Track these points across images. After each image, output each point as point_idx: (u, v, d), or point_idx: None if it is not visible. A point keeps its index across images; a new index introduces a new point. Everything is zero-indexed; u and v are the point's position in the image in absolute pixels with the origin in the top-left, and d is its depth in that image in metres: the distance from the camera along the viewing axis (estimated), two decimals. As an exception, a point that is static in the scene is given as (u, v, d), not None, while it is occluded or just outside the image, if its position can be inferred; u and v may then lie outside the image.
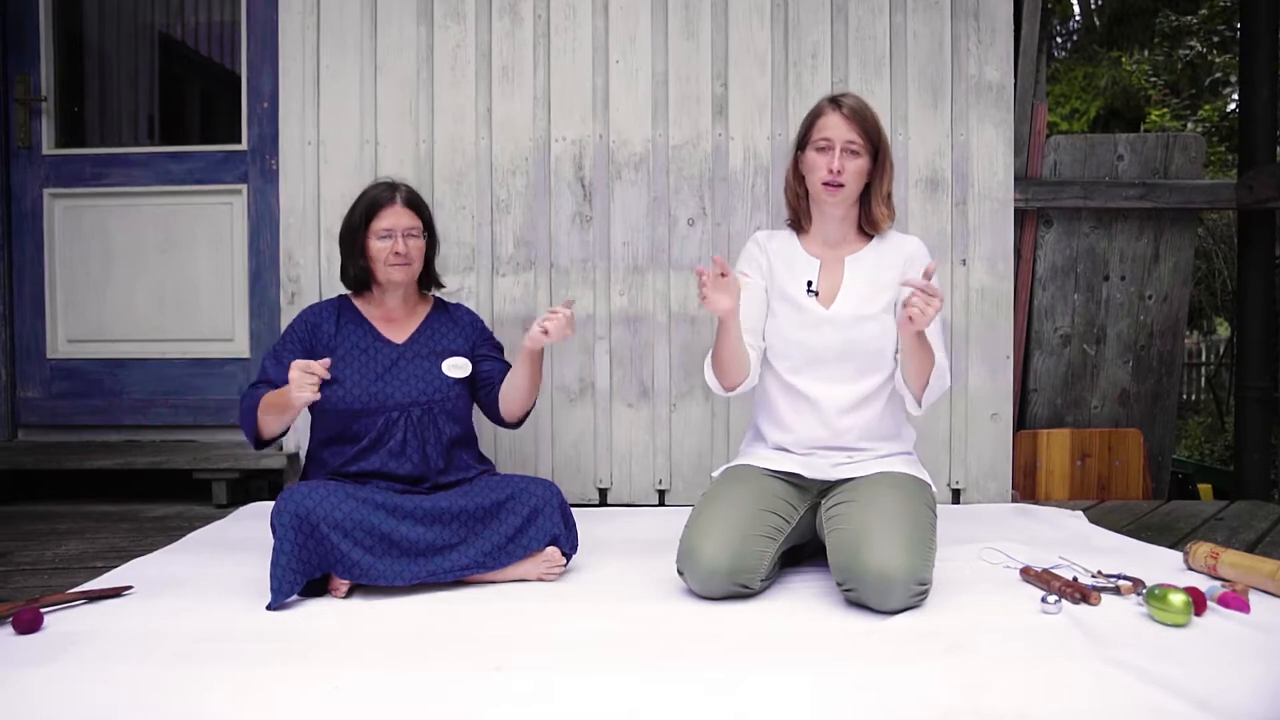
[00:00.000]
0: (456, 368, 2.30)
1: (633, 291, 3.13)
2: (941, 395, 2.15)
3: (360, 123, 3.15)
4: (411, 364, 2.26)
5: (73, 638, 1.73)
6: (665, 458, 3.14)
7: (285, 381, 2.10)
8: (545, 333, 2.16)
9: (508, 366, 2.40)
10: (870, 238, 2.22)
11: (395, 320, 2.32)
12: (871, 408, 2.14)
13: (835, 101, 2.13)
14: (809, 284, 2.16)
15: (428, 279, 2.39)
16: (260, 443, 2.22)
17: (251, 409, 2.17)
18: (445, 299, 2.49)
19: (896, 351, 2.14)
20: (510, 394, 2.32)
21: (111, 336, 3.52)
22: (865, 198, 2.18)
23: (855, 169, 2.10)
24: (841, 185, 2.10)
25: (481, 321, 2.48)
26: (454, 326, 2.38)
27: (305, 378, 1.99)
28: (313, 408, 2.25)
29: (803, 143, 2.17)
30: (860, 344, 2.11)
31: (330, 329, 2.27)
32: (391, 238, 2.23)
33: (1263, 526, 2.75)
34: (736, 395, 2.23)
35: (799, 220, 2.26)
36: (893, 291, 2.15)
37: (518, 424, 2.42)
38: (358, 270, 2.29)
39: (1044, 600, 1.84)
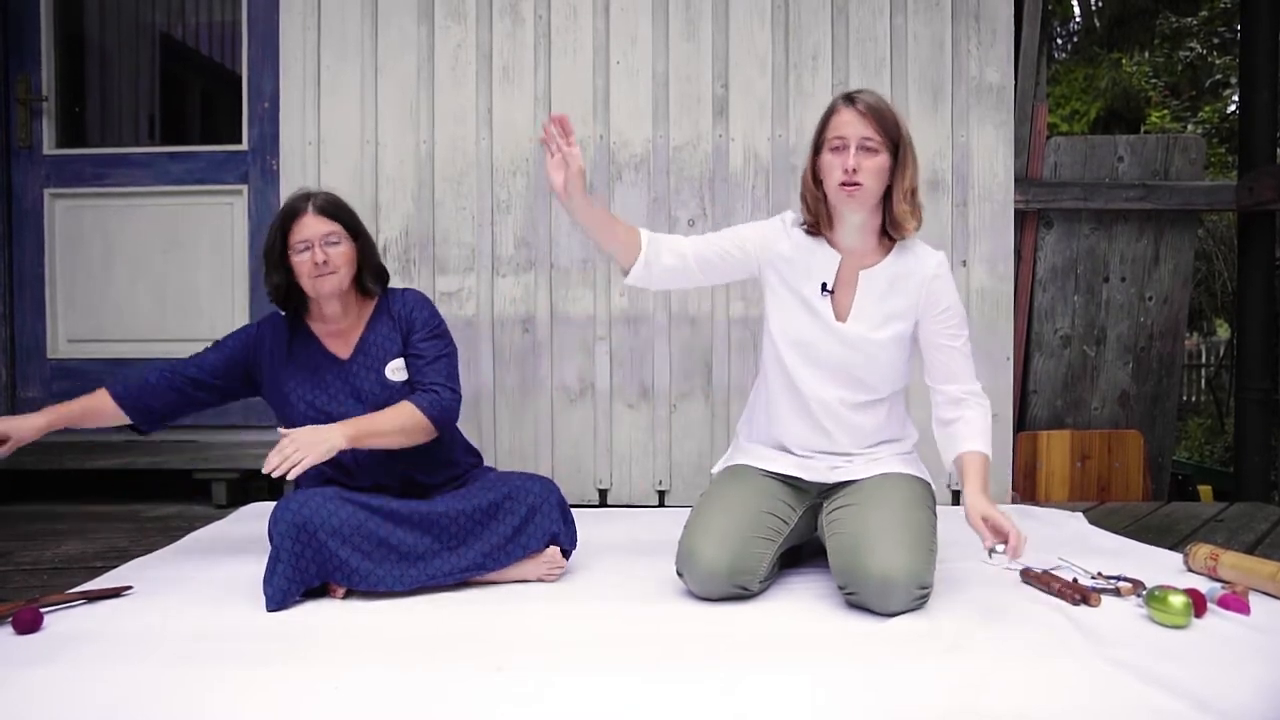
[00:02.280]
0: (399, 370, 2.17)
1: (633, 292, 3.13)
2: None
3: (361, 123, 3.16)
4: (358, 379, 2.14)
5: (73, 638, 1.73)
6: (665, 458, 3.14)
7: (211, 366, 2.18)
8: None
9: (432, 363, 2.17)
10: (891, 244, 2.08)
11: (340, 332, 2.19)
12: (869, 413, 2.11)
13: (849, 98, 1.97)
14: (824, 285, 2.06)
15: (361, 283, 2.18)
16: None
17: (101, 387, 2.15)
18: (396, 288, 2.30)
19: (902, 371, 2.12)
20: None
21: (112, 336, 3.52)
22: (887, 198, 2.00)
23: (873, 167, 1.94)
24: (859, 184, 1.94)
25: (420, 308, 2.23)
26: (392, 324, 2.20)
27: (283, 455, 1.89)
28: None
29: (818, 145, 2.02)
30: (864, 363, 2.06)
31: (282, 349, 2.18)
32: (310, 248, 2.07)
33: (1263, 528, 2.75)
34: (631, 282, 2.08)
35: (817, 225, 2.07)
36: (905, 319, 2.06)
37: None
38: (274, 287, 2.14)
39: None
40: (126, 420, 2.18)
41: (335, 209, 2.13)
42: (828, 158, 1.98)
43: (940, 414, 2.10)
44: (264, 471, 1.89)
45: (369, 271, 2.18)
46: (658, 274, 2.08)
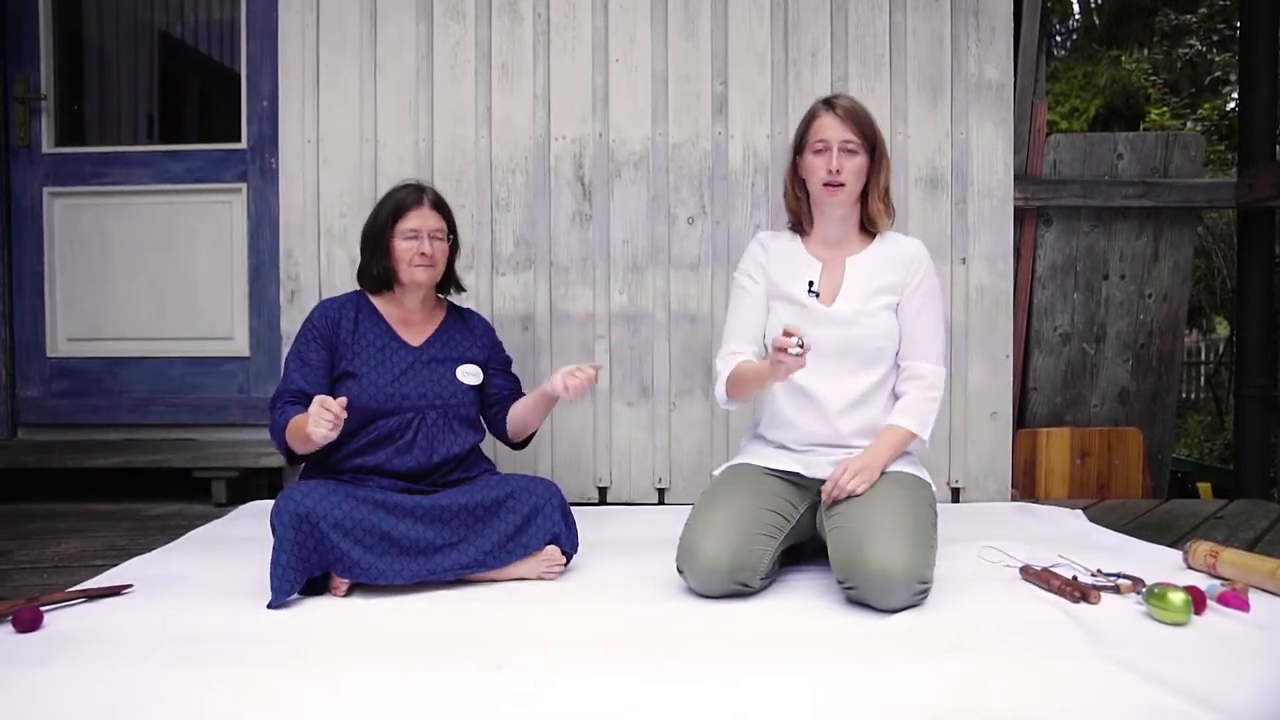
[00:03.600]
0: (471, 375, 2.31)
1: (632, 290, 3.13)
2: (939, 406, 2.17)
3: (360, 121, 3.15)
4: (428, 368, 2.25)
5: (72, 636, 1.73)
6: (665, 456, 3.14)
7: (315, 391, 2.12)
8: (566, 389, 2.18)
9: (516, 383, 2.45)
10: (871, 238, 2.22)
11: (412, 323, 2.31)
12: (872, 405, 2.14)
13: (829, 103, 2.15)
14: (810, 284, 2.16)
15: (446, 283, 2.38)
16: (294, 458, 2.18)
17: (281, 431, 2.12)
18: (457, 303, 2.48)
19: (898, 352, 2.16)
20: (521, 419, 2.38)
21: (111, 335, 3.52)
22: (864, 195, 2.18)
23: (854, 167, 2.11)
24: (842, 184, 2.10)
25: (494, 331, 2.48)
26: (469, 334, 2.37)
27: (322, 414, 1.94)
28: None
29: (800, 146, 2.18)
30: (861, 340, 2.12)
31: (349, 325, 2.25)
32: (418, 238, 2.22)
33: (1262, 525, 2.75)
34: (731, 408, 2.26)
35: (800, 224, 2.27)
36: (894, 293, 2.16)
37: (521, 445, 2.47)
38: (380, 270, 2.26)
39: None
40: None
41: (445, 207, 2.32)
42: (811, 159, 2.14)
43: (896, 387, 2.18)
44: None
45: (451, 271, 2.38)
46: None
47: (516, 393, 2.43)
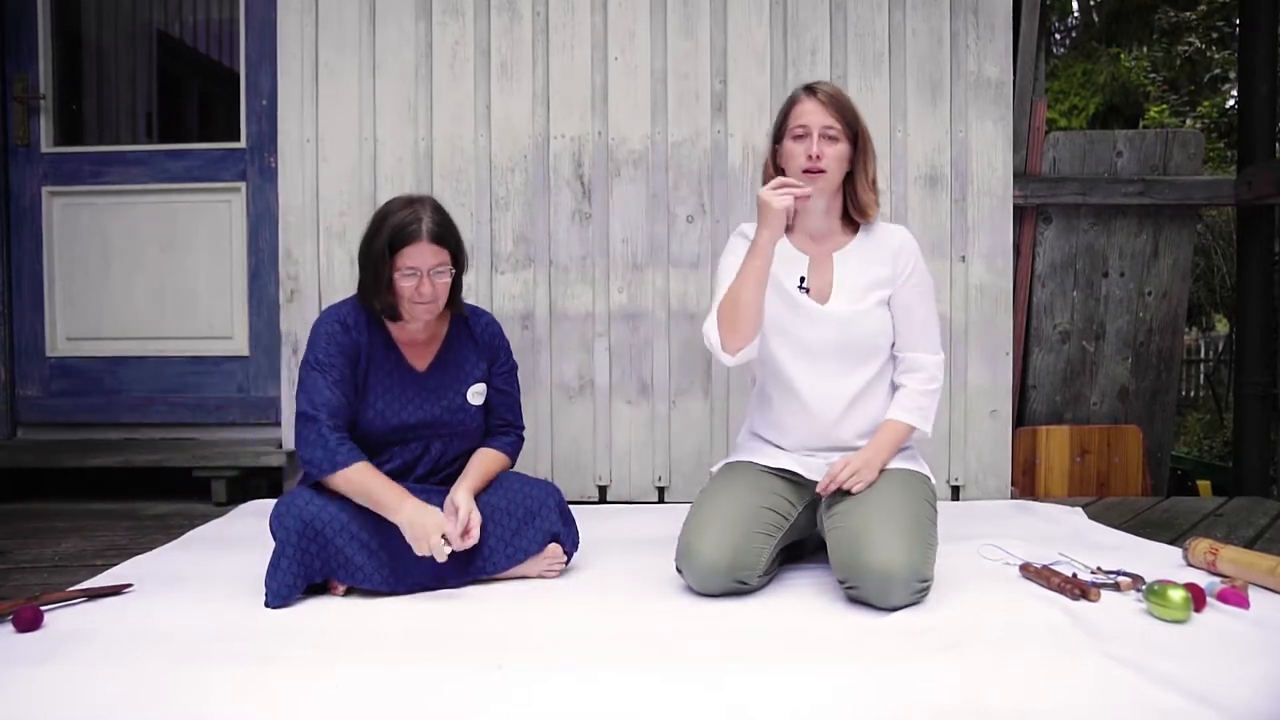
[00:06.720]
0: (480, 394, 2.19)
1: (632, 289, 3.13)
2: (939, 396, 2.14)
3: (359, 120, 3.15)
4: (435, 393, 2.14)
5: (73, 636, 1.73)
6: (665, 455, 3.14)
7: (346, 407, 2.02)
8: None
9: (510, 402, 2.26)
10: (855, 229, 2.16)
11: (417, 343, 2.15)
12: (869, 403, 2.11)
13: (810, 89, 2.09)
14: (801, 279, 2.11)
15: (454, 299, 2.14)
16: (320, 486, 2.00)
17: (331, 470, 1.96)
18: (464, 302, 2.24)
19: (893, 344, 2.13)
20: None
21: (110, 334, 3.52)
22: (851, 185, 2.11)
23: (835, 154, 2.04)
24: (822, 170, 2.03)
25: (501, 337, 2.26)
26: (474, 346, 2.20)
27: (439, 545, 1.90)
28: None
29: (779, 134, 2.11)
30: (857, 339, 2.08)
31: (364, 340, 2.09)
32: (417, 276, 1.99)
33: (1262, 523, 2.75)
34: (737, 362, 2.05)
35: None
36: (886, 287, 2.11)
37: None
38: (384, 305, 2.04)
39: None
40: None
41: (446, 233, 2.03)
42: (790, 145, 2.08)
43: (894, 379, 2.16)
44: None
45: (458, 290, 2.13)
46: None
47: (502, 423, 2.25)
